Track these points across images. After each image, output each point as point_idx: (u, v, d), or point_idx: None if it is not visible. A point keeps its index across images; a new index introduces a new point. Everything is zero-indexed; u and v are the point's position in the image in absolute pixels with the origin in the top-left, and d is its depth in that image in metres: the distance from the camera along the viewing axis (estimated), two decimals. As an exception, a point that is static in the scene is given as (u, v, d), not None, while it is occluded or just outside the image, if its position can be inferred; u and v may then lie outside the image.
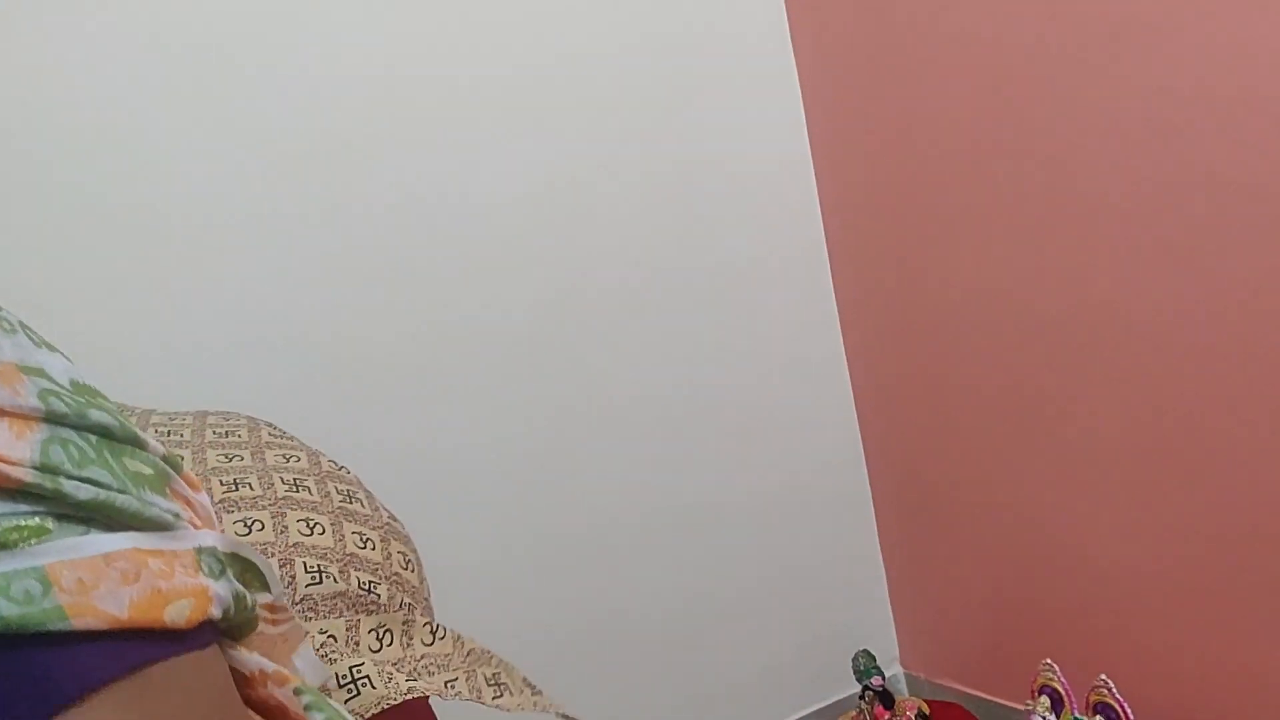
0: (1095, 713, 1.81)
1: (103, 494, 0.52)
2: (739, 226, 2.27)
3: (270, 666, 0.64)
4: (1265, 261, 1.59)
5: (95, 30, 1.70)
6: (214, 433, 1.23)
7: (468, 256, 1.99)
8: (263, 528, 1.04)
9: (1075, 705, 1.87)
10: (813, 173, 2.34)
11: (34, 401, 0.51)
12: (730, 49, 2.24)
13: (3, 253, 1.65)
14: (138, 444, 0.57)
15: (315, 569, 1.03)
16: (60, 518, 0.50)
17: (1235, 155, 1.59)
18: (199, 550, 0.57)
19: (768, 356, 2.31)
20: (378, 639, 1.02)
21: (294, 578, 1.02)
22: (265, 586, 0.66)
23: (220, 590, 0.57)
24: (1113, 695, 1.78)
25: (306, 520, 1.07)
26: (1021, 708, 1.97)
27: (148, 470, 0.57)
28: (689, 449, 2.24)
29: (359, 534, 1.11)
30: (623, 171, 2.14)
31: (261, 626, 0.66)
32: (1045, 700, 1.90)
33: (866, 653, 2.27)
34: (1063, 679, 1.89)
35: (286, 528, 1.06)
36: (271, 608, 0.68)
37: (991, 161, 1.96)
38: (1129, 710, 1.76)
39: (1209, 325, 1.69)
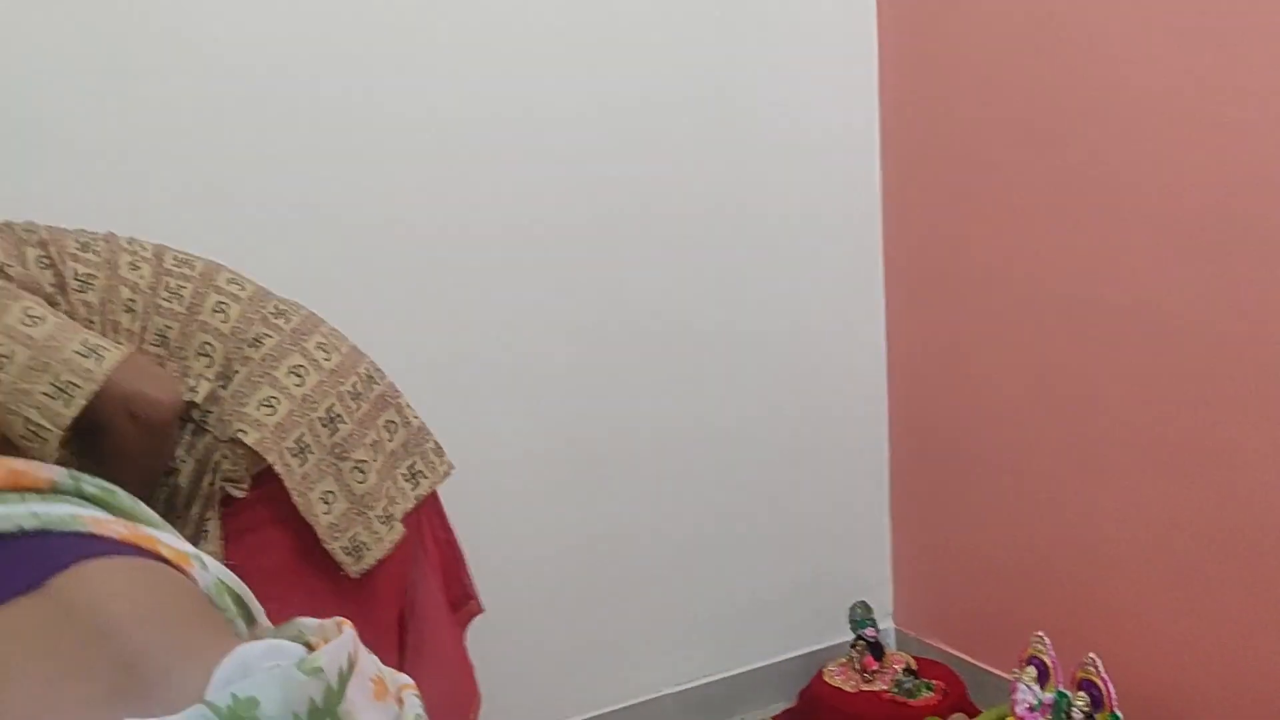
0: (1080, 689, 1.86)
1: (107, 490, 0.74)
2: (797, 169, 2.29)
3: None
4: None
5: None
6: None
7: (531, 180, 2.05)
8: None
9: (1061, 679, 1.92)
10: (878, 133, 2.35)
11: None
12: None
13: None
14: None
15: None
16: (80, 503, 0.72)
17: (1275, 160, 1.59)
18: (191, 554, 0.74)
19: (808, 300, 2.34)
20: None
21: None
22: (252, 617, 0.78)
23: (201, 575, 0.73)
24: (1098, 674, 1.83)
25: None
26: (1007, 676, 2.02)
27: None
28: (718, 381, 2.27)
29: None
30: (684, 110, 2.16)
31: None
32: (1032, 671, 1.95)
33: (864, 604, 2.32)
34: (1052, 653, 1.93)
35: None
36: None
37: (1047, 151, 1.97)
38: (1113, 690, 1.81)
39: (1236, 327, 1.70)
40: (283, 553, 1.27)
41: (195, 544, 1.20)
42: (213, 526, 1.23)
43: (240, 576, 1.19)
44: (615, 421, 2.19)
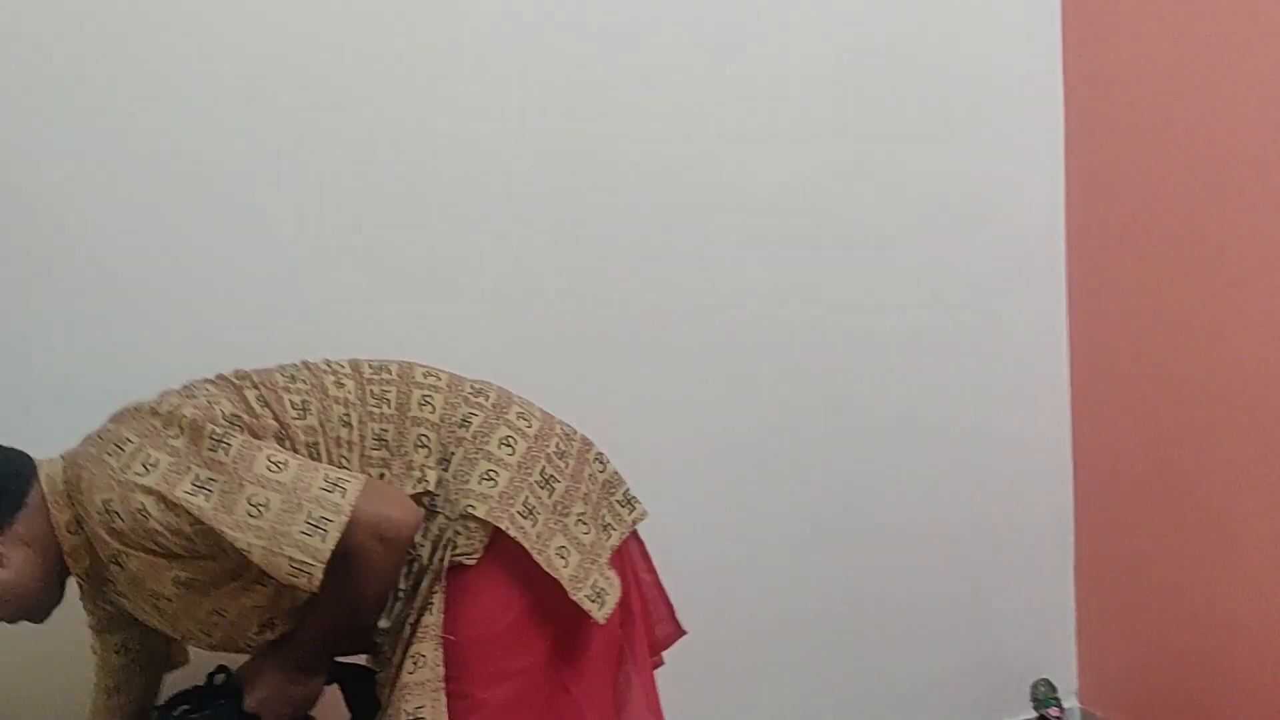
0: (1287, 785, 1.77)
1: None
2: (982, 237, 2.30)
3: None
4: None
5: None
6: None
7: (716, 246, 2.12)
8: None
9: (1266, 773, 1.82)
10: (1061, 135, 2.33)
11: None
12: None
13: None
14: None
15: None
16: None
17: None
18: None
19: (991, 371, 2.32)
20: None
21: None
22: None
23: None
24: (1309, 771, 1.74)
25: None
26: (1205, 765, 1.94)
27: None
28: (899, 451, 2.27)
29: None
30: (862, 171, 2.21)
31: None
32: (1233, 762, 1.86)
33: (1047, 682, 2.26)
34: (1256, 744, 1.85)
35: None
36: None
37: (1258, 204, 1.90)
38: (1325, 789, 1.71)
39: None
40: (510, 614, 1.36)
41: (421, 616, 1.30)
42: (437, 599, 1.32)
43: (463, 642, 1.31)
44: (788, 491, 2.21)
